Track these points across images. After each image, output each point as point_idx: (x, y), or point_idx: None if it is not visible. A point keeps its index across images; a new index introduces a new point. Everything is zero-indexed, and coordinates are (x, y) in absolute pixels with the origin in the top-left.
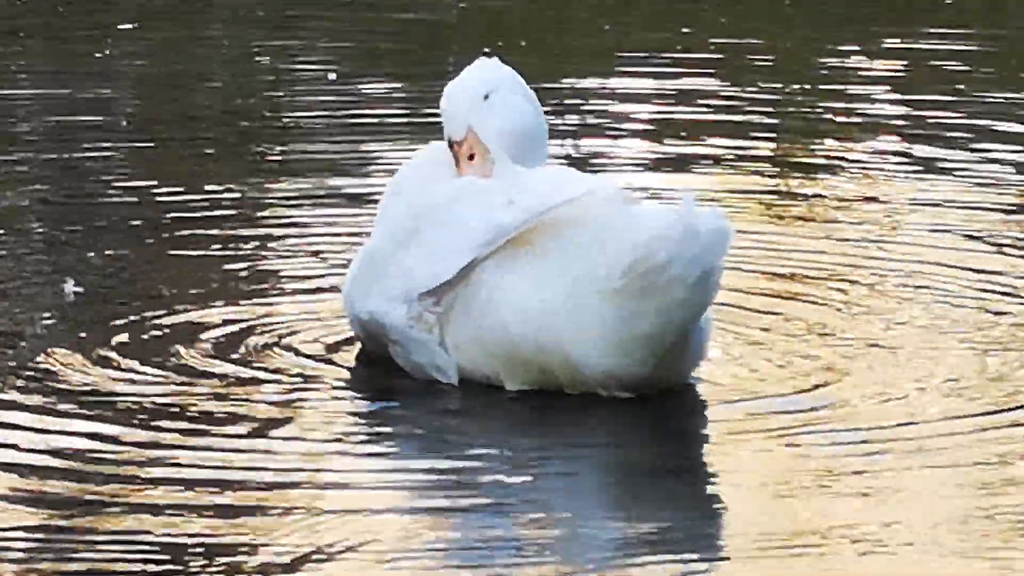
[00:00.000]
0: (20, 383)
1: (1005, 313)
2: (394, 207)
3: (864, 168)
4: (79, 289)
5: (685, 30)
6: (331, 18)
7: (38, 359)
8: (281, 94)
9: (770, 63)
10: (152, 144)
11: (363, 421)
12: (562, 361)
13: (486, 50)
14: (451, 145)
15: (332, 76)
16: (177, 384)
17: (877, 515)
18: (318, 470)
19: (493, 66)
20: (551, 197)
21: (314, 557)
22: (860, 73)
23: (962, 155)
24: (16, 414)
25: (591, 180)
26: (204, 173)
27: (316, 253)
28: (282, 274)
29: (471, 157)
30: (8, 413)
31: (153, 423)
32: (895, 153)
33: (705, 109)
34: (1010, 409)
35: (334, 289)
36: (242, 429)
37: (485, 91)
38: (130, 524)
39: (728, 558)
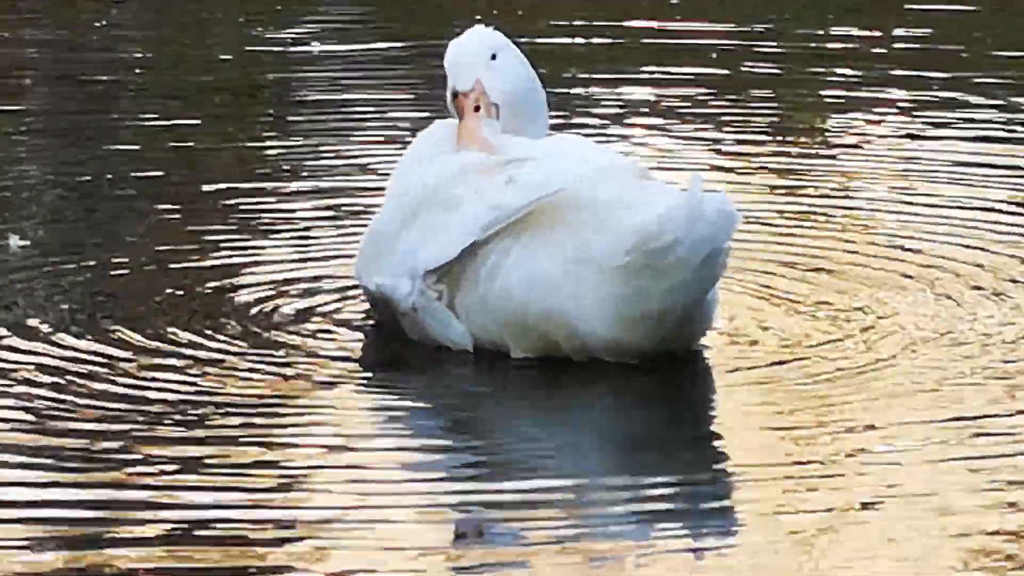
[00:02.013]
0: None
1: (1019, 282)
2: (399, 185)
3: (869, 143)
4: (25, 243)
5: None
6: None
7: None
8: (282, 63)
9: (772, 41)
10: (156, 112)
11: (371, 388)
12: (567, 333)
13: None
14: (455, 97)
15: (317, 50)
16: (181, 349)
17: (885, 477)
18: (326, 435)
19: (494, 32)
20: (553, 180)
21: (323, 521)
22: (865, 49)
23: (970, 126)
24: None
25: (599, 155)
26: (208, 140)
27: (326, 218)
28: (291, 241)
29: (477, 108)
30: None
31: (159, 383)
32: (901, 127)
33: (705, 91)
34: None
35: (342, 257)
36: (253, 396)
37: (492, 51)
38: (128, 495)
39: (735, 522)
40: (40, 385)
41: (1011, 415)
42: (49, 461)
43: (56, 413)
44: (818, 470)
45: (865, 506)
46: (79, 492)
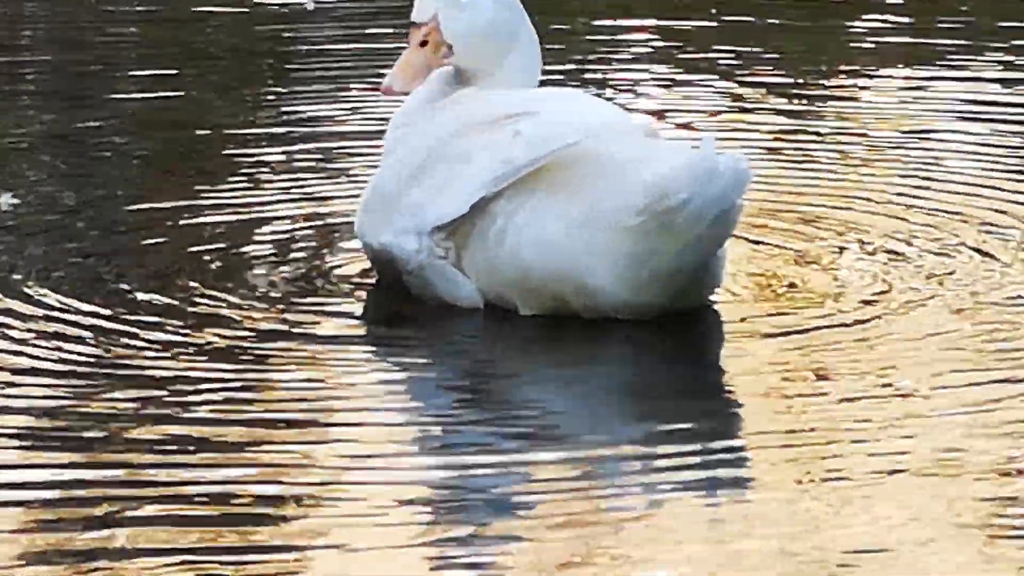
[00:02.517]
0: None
1: None
2: (400, 141)
3: (875, 97)
4: (16, 200)
5: None
6: None
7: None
8: (280, 16)
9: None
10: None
11: (377, 346)
12: (577, 291)
13: None
14: (413, 24)
15: (311, 7)
16: (186, 309)
17: (898, 429)
18: (332, 395)
19: None
20: (562, 134)
21: (329, 481)
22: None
23: (974, 83)
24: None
25: (604, 109)
26: (206, 105)
27: (327, 177)
28: (292, 198)
29: (423, 44)
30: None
31: (163, 350)
32: (904, 80)
33: (706, 43)
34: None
35: (344, 214)
36: (254, 355)
37: None
38: (126, 457)
39: (746, 477)
40: (29, 344)
41: None
42: (46, 433)
43: (57, 377)
44: (833, 425)
45: (881, 462)
46: (82, 462)
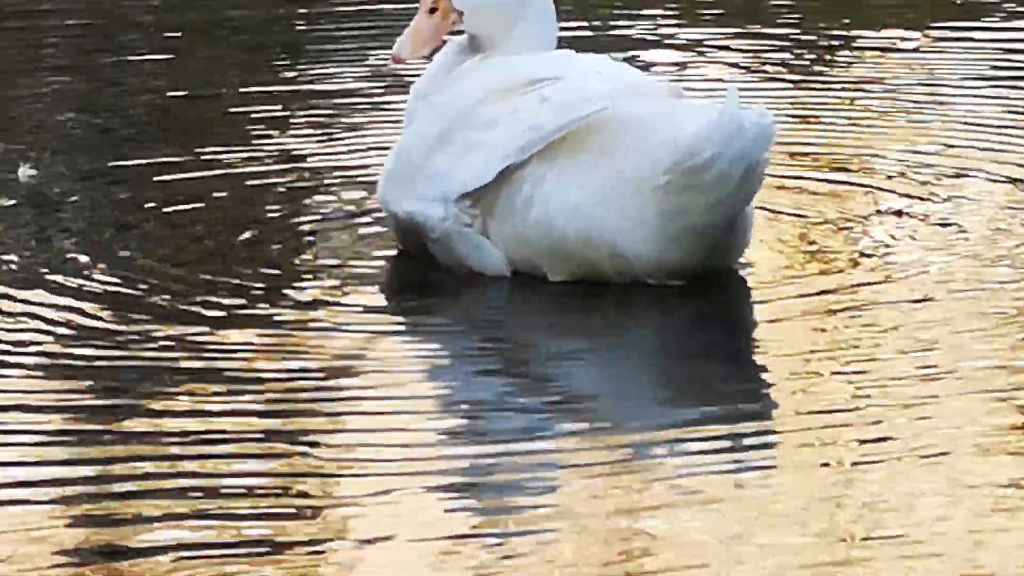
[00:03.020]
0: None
1: None
2: (423, 108)
3: (894, 57)
4: (34, 171)
5: None
6: None
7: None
8: None
9: None
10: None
11: (403, 315)
12: (608, 254)
13: None
14: None
15: None
16: (206, 279)
17: (925, 390)
18: (356, 366)
19: None
20: (589, 99)
21: (352, 445)
22: None
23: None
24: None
25: (626, 73)
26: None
27: (350, 147)
28: (316, 169)
29: (432, 11)
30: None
31: (182, 319)
32: (928, 38)
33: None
34: None
35: (370, 183)
36: (281, 322)
37: None
38: (146, 426)
39: (774, 440)
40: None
41: None
42: (57, 415)
43: (73, 352)
44: (862, 391)
45: (905, 428)
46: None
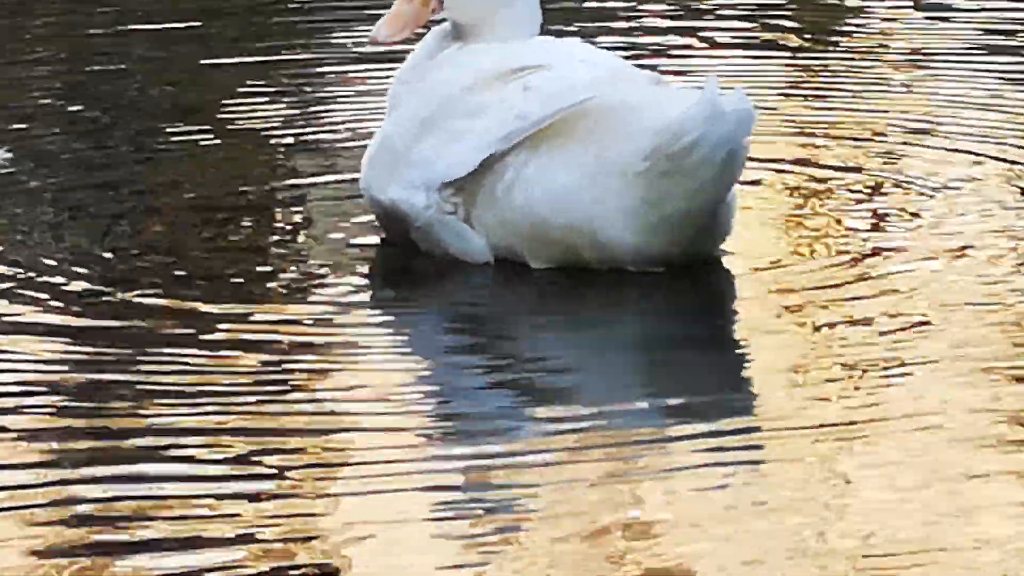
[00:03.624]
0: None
1: None
2: (406, 94)
3: (885, 44)
4: (9, 155)
5: None
6: None
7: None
8: None
9: None
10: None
11: (385, 303)
12: (590, 240)
13: None
14: None
15: None
16: (188, 273)
17: (905, 387)
18: (342, 351)
19: None
20: (574, 88)
21: (330, 437)
22: None
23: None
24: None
25: (607, 59)
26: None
27: (331, 138)
28: (298, 159)
29: None
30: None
31: (154, 312)
32: (915, 24)
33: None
34: None
35: (352, 171)
36: (262, 314)
37: None
38: (140, 414)
39: (757, 428)
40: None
41: None
42: (56, 408)
43: (56, 351)
44: (844, 376)
45: (888, 417)
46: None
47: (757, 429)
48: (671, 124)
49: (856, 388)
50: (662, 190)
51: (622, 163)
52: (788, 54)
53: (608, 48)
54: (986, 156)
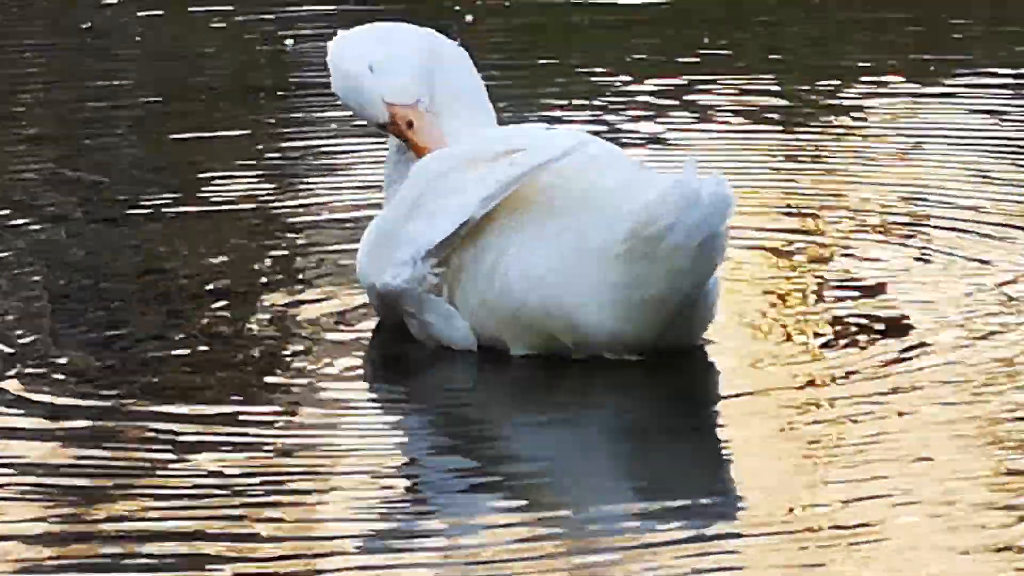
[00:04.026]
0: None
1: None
2: (399, 185)
3: (871, 117)
4: None
5: None
6: None
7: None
8: (277, 60)
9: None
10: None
11: (370, 389)
12: (568, 326)
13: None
14: (383, 128)
15: (290, 43)
16: (181, 344)
17: (891, 477)
18: (328, 435)
19: (354, 38)
20: (549, 149)
21: (321, 523)
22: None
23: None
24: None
25: (595, 143)
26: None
27: (326, 213)
28: (293, 235)
29: (410, 124)
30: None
31: (146, 388)
32: (903, 98)
33: (697, 76)
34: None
35: (347, 252)
36: (248, 390)
37: (367, 64)
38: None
39: (740, 520)
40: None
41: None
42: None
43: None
44: (827, 465)
45: (876, 505)
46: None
47: (739, 535)
48: (646, 207)
49: (842, 482)
50: (639, 274)
51: (598, 247)
52: (775, 130)
53: (590, 122)
54: (974, 232)
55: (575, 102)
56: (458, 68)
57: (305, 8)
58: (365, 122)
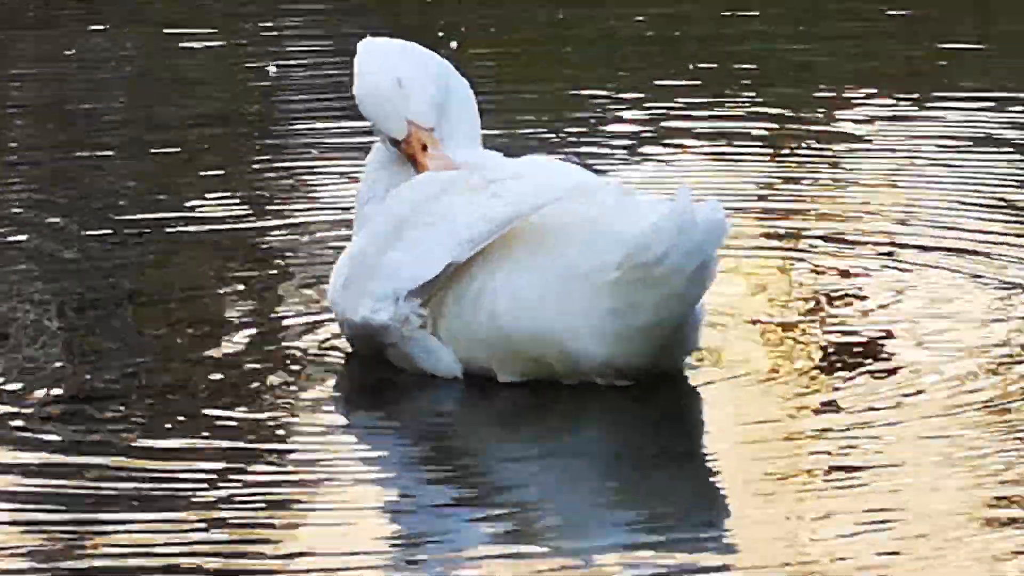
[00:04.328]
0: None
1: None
2: (372, 210)
3: (861, 136)
4: None
5: None
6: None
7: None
8: (261, 90)
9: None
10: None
11: (355, 417)
12: (558, 352)
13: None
14: (395, 144)
15: (272, 70)
16: (159, 371)
17: (878, 500)
18: (310, 469)
19: (383, 48)
20: (539, 193)
21: (294, 547)
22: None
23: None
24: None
25: (579, 173)
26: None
27: (309, 242)
28: (276, 260)
29: (424, 147)
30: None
31: (125, 423)
32: (892, 119)
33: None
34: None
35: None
36: (228, 421)
37: (395, 77)
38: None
39: (729, 543)
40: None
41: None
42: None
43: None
44: (820, 495)
45: (866, 529)
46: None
47: (731, 568)
48: (643, 233)
49: (833, 505)
50: (630, 301)
51: (591, 273)
52: (761, 155)
53: (576, 148)
54: (961, 253)
55: (560, 128)
56: (462, 104)
57: (288, 34)
58: (375, 133)
